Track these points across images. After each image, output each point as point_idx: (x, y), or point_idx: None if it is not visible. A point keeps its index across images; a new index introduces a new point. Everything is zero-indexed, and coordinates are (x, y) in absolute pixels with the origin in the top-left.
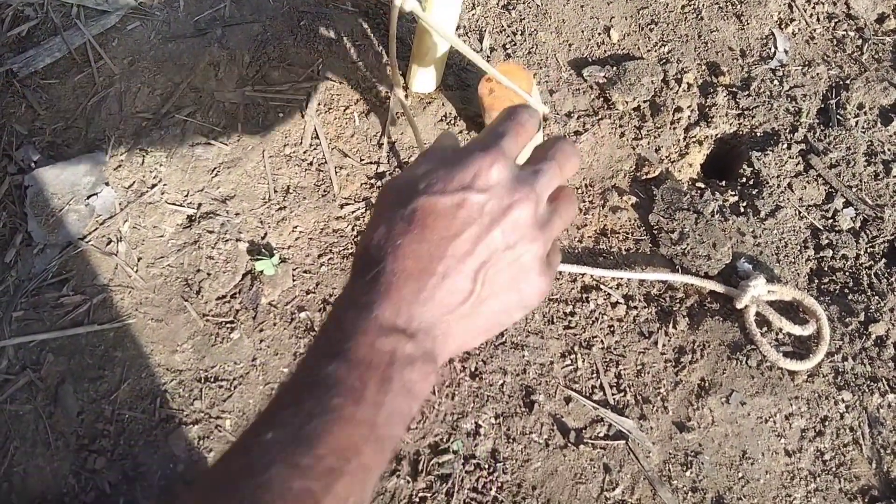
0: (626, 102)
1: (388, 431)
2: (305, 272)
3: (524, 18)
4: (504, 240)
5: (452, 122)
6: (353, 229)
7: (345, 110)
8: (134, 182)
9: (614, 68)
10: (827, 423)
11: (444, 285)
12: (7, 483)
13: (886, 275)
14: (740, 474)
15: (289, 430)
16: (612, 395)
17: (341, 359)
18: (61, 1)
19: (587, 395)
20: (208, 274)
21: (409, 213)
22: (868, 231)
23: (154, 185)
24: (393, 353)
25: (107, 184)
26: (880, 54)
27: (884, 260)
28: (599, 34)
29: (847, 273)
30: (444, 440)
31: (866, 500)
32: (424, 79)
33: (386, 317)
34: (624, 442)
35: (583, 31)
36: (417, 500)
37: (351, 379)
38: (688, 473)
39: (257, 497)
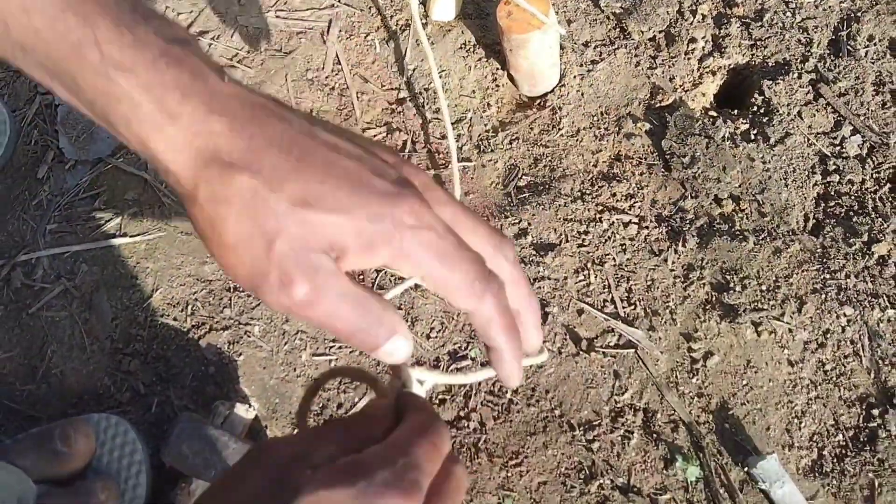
0: (642, 32)
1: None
2: None
3: None
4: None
5: (472, 49)
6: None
7: (365, 37)
8: None
9: None
10: (829, 336)
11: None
12: (46, 384)
13: (891, 199)
14: (744, 382)
15: None
16: (623, 307)
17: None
18: None
19: (599, 307)
20: None
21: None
22: (874, 157)
23: None
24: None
25: None
26: None
27: (888, 185)
28: None
29: (853, 197)
30: (462, 348)
31: (864, 407)
32: (444, 7)
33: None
34: (633, 351)
35: None
36: (437, 401)
37: None
38: (694, 380)
39: None
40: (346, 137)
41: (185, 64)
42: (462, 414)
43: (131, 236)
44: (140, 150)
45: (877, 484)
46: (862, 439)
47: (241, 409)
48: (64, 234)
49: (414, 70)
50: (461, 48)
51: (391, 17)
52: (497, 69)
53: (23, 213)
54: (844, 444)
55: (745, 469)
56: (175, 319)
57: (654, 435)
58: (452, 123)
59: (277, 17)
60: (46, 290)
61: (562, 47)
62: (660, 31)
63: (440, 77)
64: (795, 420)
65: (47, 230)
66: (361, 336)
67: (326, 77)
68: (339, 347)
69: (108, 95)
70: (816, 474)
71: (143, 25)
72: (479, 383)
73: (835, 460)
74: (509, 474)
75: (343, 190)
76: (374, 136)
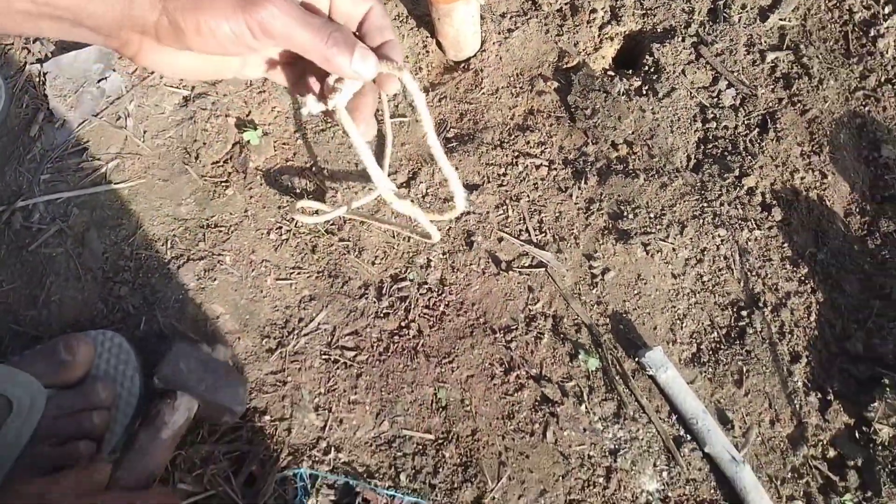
0: (551, 4)
1: None
2: (284, 144)
3: None
4: None
5: (405, 20)
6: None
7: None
8: (136, 69)
9: None
10: (706, 253)
11: None
12: (46, 310)
13: (758, 141)
14: (635, 291)
15: None
16: (535, 235)
17: None
18: None
19: (515, 235)
20: (204, 143)
21: None
22: (745, 107)
23: (153, 71)
24: None
25: (114, 70)
26: None
27: (757, 129)
28: None
29: (727, 140)
30: (403, 271)
31: (735, 310)
32: None
33: None
34: (544, 269)
35: None
36: (383, 314)
37: None
38: (594, 291)
39: None
40: None
41: None
42: (403, 324)
43: (115, 184)
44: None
45: (745, 370)
46: (733, 336)
47: (220, 351)
48: (56, 182)
49: None
50: (395, 19)
51: None
52: (427, 37)
53: (19, 165)
54: (718, 339)
55: (636, 360)
56: (157, 252)
57: (561, 335)
58: None
59: None
60: (43, 230)
61: (482, 17)
62: (566, 3)
63: None
64: (678, 321)
65: (41, 180)
66: (329, 52)
67: None
68: (299, 273)
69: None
70: (695, 364)
71: None
72: (417, 300)
73: (710, 352)
74: (443, 370)
75: None
76: None
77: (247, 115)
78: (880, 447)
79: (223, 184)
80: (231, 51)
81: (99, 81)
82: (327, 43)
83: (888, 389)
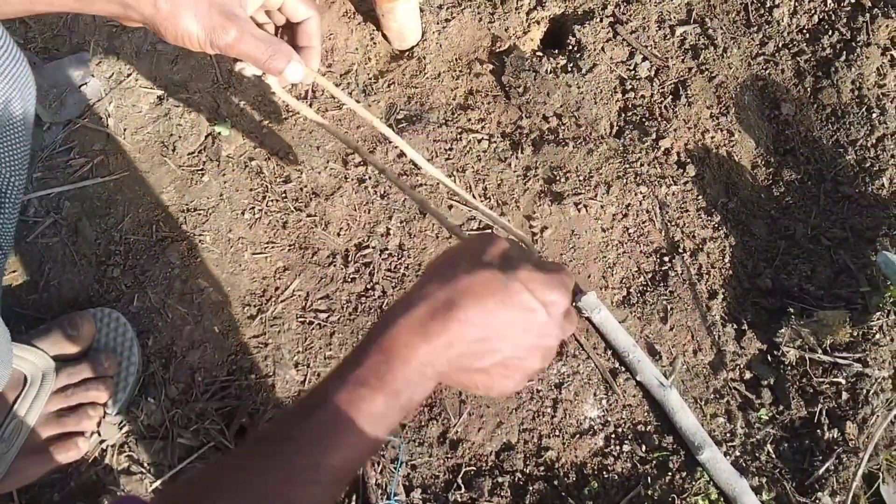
0: None
1: (379, 441)
2: (251, 133)
3: None
4: (531, 355)
5: (352, 16)
6: (283, 102)
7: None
8: (113, 73)
9: None
10: (630, 208)
11: (482, 353)
12: (47, 294)
13: (672, 107)
14: (571, 245)
15: (316, 435)
16: (481, 201)
17: (376, 388)
18: None
19: (463, 203)
20: (179, 137)
21: (503, 283)
22: (659, 77)
23: (129, 75)
24: (419, 380)
25: (93, 76)
26: None
27: (671, 96)
28: None
29: (644, 108)
30: (365, 240)
31: (658, 257)
32: None
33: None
34: (491, 230)
35: None
36: (350, 279)
37: (377, 405)
38: (535, 247)
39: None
40: None
41: None
42: (368, 287)
43: (102, 178)
44: (122, 6)
45: (669, 308)
46: (657, 279)
47: None
48: (48, 179)
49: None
50: (344, 15)
51: None
52: (373, 30)
53: None
54: (645, 283)
55: (574, 304)
56: (144, 236)
57: None
58: (341, 75)
59: None
60: (39, 223)
61: (422, 10)
62: None
63: (329, 40)
64: (609, 269)
65: (34, 178)
66: (270, 62)
67: None
68: (273, 247)
69: None
70: (626, 305)
71: None
72: (380, 264)
73: (638, 294)
74: None
75: None
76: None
77: (216, 109)
78: (789, 367)
79: (199, 172)
80: (198, 52)
81: (80, 86)
82: (270, 58)
83: (793, 317)
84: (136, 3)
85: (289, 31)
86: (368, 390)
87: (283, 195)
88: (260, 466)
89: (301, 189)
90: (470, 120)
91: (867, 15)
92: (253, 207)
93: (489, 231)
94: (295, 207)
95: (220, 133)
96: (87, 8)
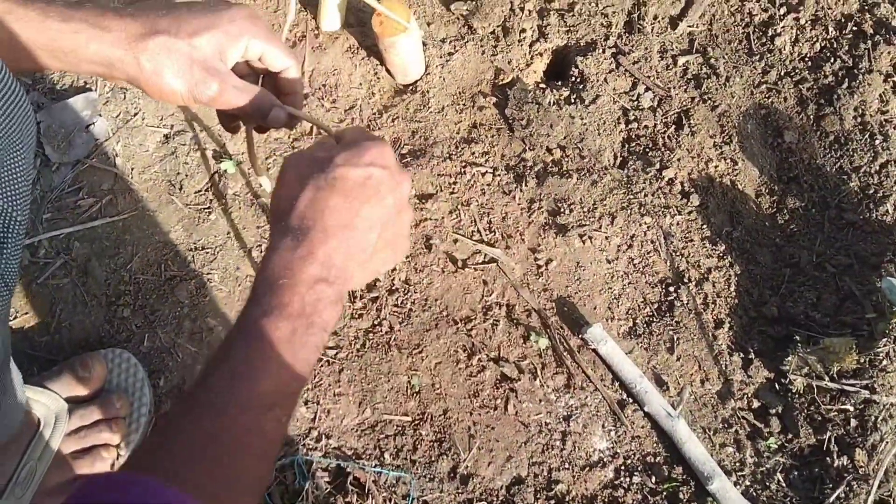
0: (484, 28)
1: (307, 363)
2: None
3: None
4: (395, 207)
5: (356, 51)
6: (288, 138)
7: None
8: (120, 112)
9: (473, 2)
10: (634, 239)
11: (357, 241)
12: (58, 335)
13: (675, 136)
14: (576, 277)
15: (237, 372)
16: (486, 235)
17: (277, 312)
18: None
19: (468, 237)
20: (186, 175)
21: (331, 180)
22: (662, 107)
23: (136, 114)
24: (318, 300)
25: (100, 115)
26: None
27: (674, 126)
28: None
29: (648, 138)
30: None
31: (663, 287)
32: (332, 20)
33: (314, 272)
34: (495, 264)
35: None
36: (357, 315)
37: (284, 330)
38: (540, 280)
39: (216, 426)
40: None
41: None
42: (375, 322)
43: (110, 217)
44: (107, 66)
45: (675, 338)
46: (663, 309)
47: None
48: (57, 220)
49: (312, 71)
50: (347, 51)
51: (291, 30)
52: (377, 65)
53: None
54: (651, 313)
55: (580, 336)
56: (153, 275)
57: (515, 321)
58: (346, 110)
59: None
60: (49, 264)
61: (424, 44)
62: (497, 26)
63: (333, 75)
64: (614, 300)
65: (44, 219)
66: (253, 112)
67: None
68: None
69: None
70: (632, 336)
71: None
72: (386, 300)
73: (644, 325)
74: (414, 360)
75: (206, 18)
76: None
77: (221, 147)
78: (796, 395)
79: (206, 210)
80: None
81: (88, 126)
82: (252, 107)
83: (799, 345)
84: (120, 64)
85: (271, 80)
86: (270, 319)
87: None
88: (196, 412)
89: None
90: (474, 153)
91: (869, 42)
92: (260, 245)
93: (292, 153)
94: None
95: (225, 171)
96: (74, 68)
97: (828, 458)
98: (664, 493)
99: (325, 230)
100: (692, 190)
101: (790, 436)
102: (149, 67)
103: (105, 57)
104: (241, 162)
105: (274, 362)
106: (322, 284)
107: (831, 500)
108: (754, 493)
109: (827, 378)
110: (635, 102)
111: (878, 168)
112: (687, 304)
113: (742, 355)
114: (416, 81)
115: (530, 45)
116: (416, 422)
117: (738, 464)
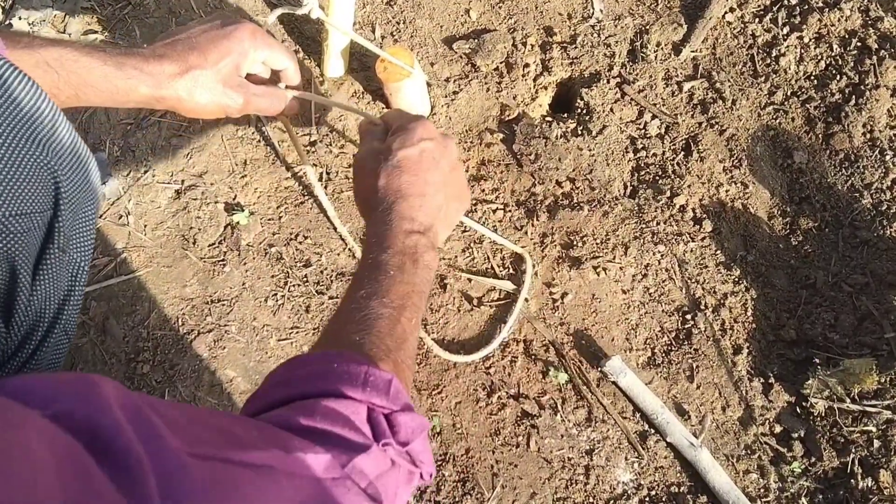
0: (488, 65)
1: (422, 288)
2: (269, 220)
3: (404, 10)
4: (450, 167)
5: (361, 95)
6: (299, 185)
7: None
8: (131, 171)
9: (476, 40)
10: (649, 268)
11: (430, 201)
12: None
13: (685, 163)
14: (592, 309)
15: (370, 290)
16: (500, 271)
17: (389, 251)
18: None
19: (482, 274)
20: (199, 229)
21: (396, 163)
22: (669, 134)
23: (146, 171)
24: (416, 244)
25: (111, 174)
26: (671, 3)
27: (682, 153)
28: (462, 15)
29: (657, 165)
30: None
31: (680, 315)
32: (335, 67)
33: (406, 226)
34: (511, 300)
35: (449, 15)
36: None
37: (396, 261)
38: (556, 314)
39: (362, 321)
40: (204, 24)
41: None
42: None
43: (126, 275)
44: (154, 101)
45: (694, 366)
46: (681, 337)
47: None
48: None
49: (319, 117)
50: (353, 95)
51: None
52: (383, 108)
53: None
54: (669, 342)
55: (599, 369)
56: (171, 330)
57: (533, 356)
58: (355, 155)
59: None
60: None
61: (429, 84)
62: (501, 62)
63: (340, 121)
64: (632, 331)
65: None
66: (272, 107)
67: (252, 132)
68: (297, 332)
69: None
70: (651, 366)
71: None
72: None
73: (663, 354)
74: (434, 401)
75: (222, 44)
76: (297, 172)
77: (233, 199)
78: (818, 418)
79: (220, 263)
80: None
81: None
82: (271, 104)
83: (819, 367)
84: (164, 99)
85: (276, 75)
86: (384, 256)
87: (304, 279)
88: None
89: (321, 272)
90: (484, 190)
91: (874, 57)
92: (275, 294)
93: (357, 154)
94: (317, 291)
95: (238, 222)
96: (123, 105)
97: (852, 481)
98: None
99: (406, 198)
100: (704, 216)
101: (813, 459)
102: (186, 97)
103: (152, 96)
104: (254, 212)
105: (396, 279)
106: (415, 235)
107: None
108: None
109: (848, 400)
110: (642, 131)
111: (889, 184)
112: (704, 331)
113: (762, 380)
114: None
115: (534, 80)
116: (439, 463)
117: (762, 490)
